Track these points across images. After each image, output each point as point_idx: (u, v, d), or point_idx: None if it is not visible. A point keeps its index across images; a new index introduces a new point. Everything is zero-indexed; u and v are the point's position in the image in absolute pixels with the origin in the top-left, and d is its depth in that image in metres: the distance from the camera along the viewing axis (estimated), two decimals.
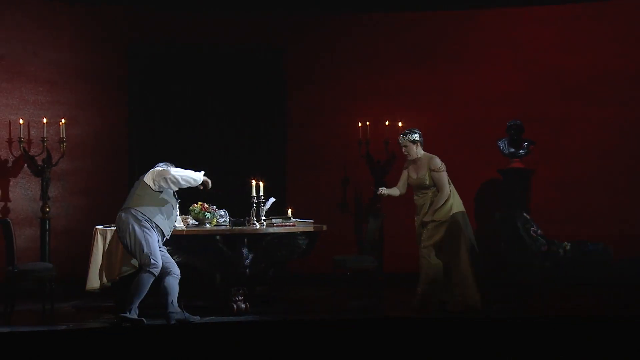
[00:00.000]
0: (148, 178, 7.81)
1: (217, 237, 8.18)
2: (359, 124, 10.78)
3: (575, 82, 10.84)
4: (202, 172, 7.89)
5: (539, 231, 9.07)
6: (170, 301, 7.71)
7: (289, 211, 8.69)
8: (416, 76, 11.06)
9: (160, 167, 7.87)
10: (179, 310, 7.75)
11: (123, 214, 7.76)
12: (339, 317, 8.23)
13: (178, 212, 8.11)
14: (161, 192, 7.78)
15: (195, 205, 8.33)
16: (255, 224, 8.28)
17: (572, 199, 10.72)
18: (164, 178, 7.72)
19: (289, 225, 8.43)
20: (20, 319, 8.10)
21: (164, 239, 7.83)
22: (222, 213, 8.42)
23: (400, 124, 10.75)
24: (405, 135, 8.50)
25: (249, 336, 7.04)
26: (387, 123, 10.78)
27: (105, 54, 10.74)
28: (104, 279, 8.12)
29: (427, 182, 8.38)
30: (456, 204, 8.39)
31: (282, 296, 9.30)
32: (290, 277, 10.34)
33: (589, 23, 10.89)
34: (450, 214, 8.31)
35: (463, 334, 6.90)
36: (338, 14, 11.19)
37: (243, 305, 8.15)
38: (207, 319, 7.89)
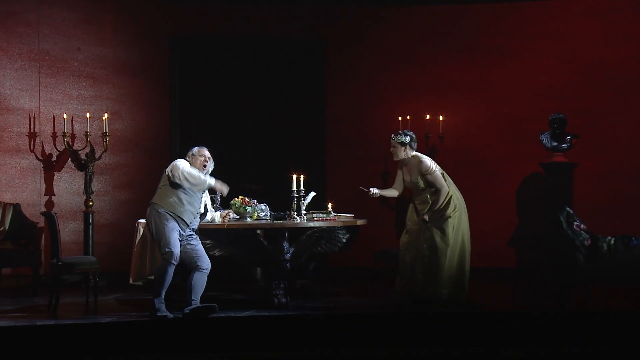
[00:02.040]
0: (168, 170, 7.86)
1: (258, 231, 8.22)
2: (399, 118, 10.74)
3: (618, 74, 10.68)
4: (214, 179, 7.84)
5: (582, 225, 8.94)
6: (191, 298, 7.74)
7: (330, 205, 8.69)
8: (458, 70, 10.98)
9: (176, 162, 7.85)
10: (197, 305, 7.75)
11: (148, 209, 7.85)
12: (379, 312, 8.22)
13: (208, 202, 8.10)
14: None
15: (237, 199, 8.36)
16: (295, 218, 8.29)
17: (616, 193, 10.58)
18: (173, 175, 7.76)
19: (330, 220, 8.44)
20: (65, 312, 8.20)
21: (189, 228, 7.81)
22: (263, 207, 8.44)
23: (441, 118, 10.70)
24: (396, 136, 8.43)
25: (289, 330, 7.06)
26: (427, 117, 10.73)
27: (146, 48, 10.83)
28: (148, 272, 8.17)
29: (422, 185, 8.32)
30: (455, 197, 8.31)
31: (323, 290, 9.31)
32: (330, 271, 10.35)
33: (633, 14, 10.72)
34: (455, 211, 8.25)
35: (500, 328, 6.86)
36: (380, 5, 11.15)
37: (284, 299, 8.17)
38: (247, 313, 7.93)
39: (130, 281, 8.29)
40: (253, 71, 11.09)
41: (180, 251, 7.75)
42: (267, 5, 11.04)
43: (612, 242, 8.89)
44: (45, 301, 8.33)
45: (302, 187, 8.35)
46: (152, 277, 8.15)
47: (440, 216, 8.24)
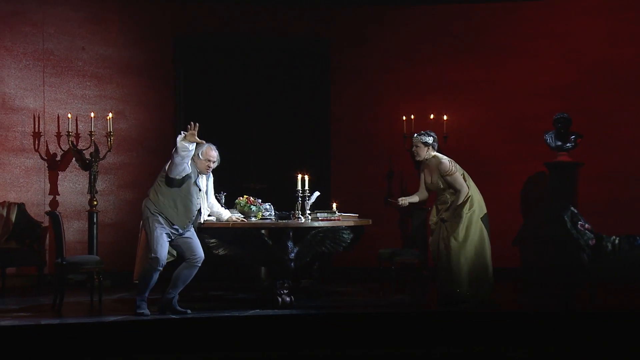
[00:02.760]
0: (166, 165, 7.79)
1: (263, 230, 8.22)
2: (403, 118, 10.73)
3: (623, 73, 10.67)
4: (181, 137, 7.65)
5: (586, 225, 8.92)
6: (169, 290, 7.78)
7: (334, 205, 8.68)
8: (462, 69, 10.98)
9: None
10: (169, 300, 7.78)
11: (144, 201, 7.86)
12: (384, 311, 8.21)
13: (204, 203, 8.02)
14: (178, 179, 7.70)
15: (241, 198, 8.36)
16: (300, 217, 8.28)
17: (620, 192, 10.57)
18: (168, 166, 7.71)
19: (334, 219, 8.44)
20: (69, 311, 8.20)
21: (179, 230, 7.76)
22: (268, 206, 8.44)
23: (445, 117, 10.69)
24: (420, 136, 8.40)
25: (293, 329, 7.06)
26: (431, 117, 10.72)
27: (151, 47, 10.83)
28: None
29: (442, 186, 8.30)
30: (474, 197, 8.28)
31: (327, 290, 9.31)
32: (335, 271, 10.35)
33: (636, 14, 10.70)
34: (474, 212, 8.24)
35: (504, 328, 6.86)
36: (383, 5, 11.14)
37: (288, 299, 8.16)
38: (251, 312, 7.93)
39: (135, 280, 8.28)
40: (257, 71, 11.10)
41: (174, 244, 7.78)
42: (272, 5, 11.04)
43: (617, 241, 8.87)
44: (50, 300, 8.33)
45: (306, 187, 8.34)
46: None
47: (455, 215, 8.24)
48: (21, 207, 9.98)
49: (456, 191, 8.26)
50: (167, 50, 10.88)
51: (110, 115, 10.25)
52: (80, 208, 10.43)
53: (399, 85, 11.07)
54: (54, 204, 10.37)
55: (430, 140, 8.38)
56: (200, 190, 7.91)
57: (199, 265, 7.83)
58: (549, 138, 10.42)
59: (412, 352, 6.35)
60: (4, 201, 9.98)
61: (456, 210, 8.22)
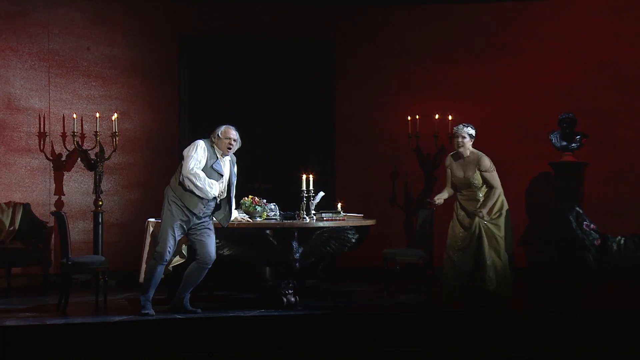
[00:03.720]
0: (184, 153, 7.78)
1: (268, 230, 8.22)
2: (409, 118, 10.73)
3: (628, 73, 10.65)
4: (218, 189, 7.72)
5: (592, 225, 8.91)
6: (180, 291, 7.79)
7: (339, 205, 8.69)
8: (467, 69, 10.97)
9: (189, 156, 7.70)
10: (180, 300, 7.81)
11: (166, 188, 7.83)
12: (389, 311, 8.21)
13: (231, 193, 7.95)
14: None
15: (246, 198, 8.37)
16: (305, 217, 8.29)
17: (626, 192, 10.55)
18: (181, 171, 7.69)
19: (339, 220, 8.44)
20: (74, 311, 8.21)
21: (197, 218, 7.74)
22: (273, 207, 8.45)
23: (450, 117, 10.68)
24: (466, 127, 8.33)
25: (298, 329, 7.06)
26: (436, 117, 10.71)
27: (156, 48, 10.85)
28: None
29: (476, 182, 8.25)
30: (505, 201, 8.32)
31: (332, 290, 9.30)
32: (339, 271, 10.35)
33: None
34: (504, 209, 8.25)
35: (514, 327, 6.85)
36: (389, 5, 11.14)
37: (293, 299, 8.17)
38: (256, 312, 7.93)
39: (140, 279, 8.28)
40: (262, 71, 11.10)
41: (192, 239, 7.77)
42: (277, 5, 11.05)
43: (622, 241, 8.85)
44: (55, 300, 8.34)
45: (311, 187, 8.35)
46: (162, 276, 8.16)
47: (494, 213, 8.22)
48: (26, 207, 10.00)
49: (491, 188, 8.23)
50: (172, 50, 10.89)
51: (116, 115, 10.26)
52: (86, 208, 10.44)
53: (404, 86, 11.06)
54: (59, 204, 10.39)
55: (474, 132, 8.34)
56: (221, 175, 7.81)
57: (209, 266, 7.82)
58: (554, 138, 10.40)
59: (417, 352, 6.35)
60: (10, 201, 10.00)
61: (494, 208, 8.20)
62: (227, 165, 7.91)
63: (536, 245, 10.68)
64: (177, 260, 8.14)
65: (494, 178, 8.25)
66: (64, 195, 10.45)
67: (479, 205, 8.22)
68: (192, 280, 7.83)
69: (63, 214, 8.47)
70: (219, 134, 7.80)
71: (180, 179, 7.70)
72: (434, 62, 11.05)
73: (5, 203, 9.96)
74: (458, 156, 8.37)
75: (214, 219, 7.91)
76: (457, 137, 8.33)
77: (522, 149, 10.80)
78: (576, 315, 7.70)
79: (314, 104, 11.22)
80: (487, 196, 8.23)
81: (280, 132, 11.12)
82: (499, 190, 8.24)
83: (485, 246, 8.12)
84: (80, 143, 10.29)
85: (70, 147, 10.38)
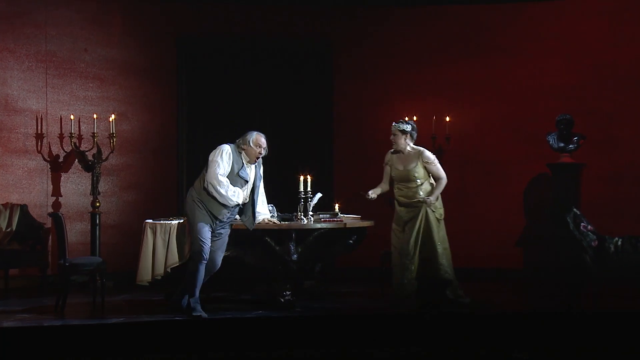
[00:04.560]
0: (209, 158, 7.74)
1: (265, 232, 8.22)
2: (406, 119, 10.71)
3: (626, 75, 10.66)
4: (241, 198, 7.73)
5: (589, 226, 8.92)
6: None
7: (336, 206, 8.69)
8: (465, 70, 10.98)
9: (215, 163, 7.65)
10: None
11: (188, 191, 7.85)
12: (386, 312, 8.21)
13: (259, 197, 7.96)
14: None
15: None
16: (302, 219, 8.30)
17: (624, 194, 10.56)
18: (205, 177, 7.67)
19: (337, 221, 8.44)
20: (72, 312, 8.22)
21: (220, 222, 7.75)
22: (270, 208, 8.44)
23: (447, 119, 10.69)
24: (397, 124, 8.45)
25: (296, 330, 7.06)
26: (434, 118, 10.71)
27: (154, 49, 10.84)
28: (154, 272, 8.18)
29: (416, 174, 8.34)
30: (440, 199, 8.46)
31: (330, 291, 9.30)
32: (337, 272, 10.34)
33: None
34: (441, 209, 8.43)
35: (511, 328, 6.85)
36: (386, 6, 11.15)
37: (291, 300, 8.17)
38: (254, 314, 7.93)
39: (137, 281, 8.28)
40: (260, 71, 11.09)
41: (212, 240, 7.77)
42: (274, 5, 11.05)
43: (620, 243, 8.87)
44: (53, 302, 8.34)
45: (309, 188, 8.35)
46: (159, 278, 8.17)
47: (439, 209, 8.41)
48: (24, 208, 9.99)
49: (437, 179, 8.39)
50: (169, 51, 10.89)
51: (113, 116, 10.26)
52: (83, 209, 10.43)
53: (402, 86, 11.07)
54: (56, 205, 10.38)
55: (408, 128, 8.41)
56: (247, 182, 7.80)
57: (211, 274, 7.88)
58: (552, 139, 10.41)
59: (415, 352, 6.35)
60: (7, 202, 10.00)
61: (438, 205, 8.38)
62: (252, 169, 7.88)
63: (534, 246, 10.68)
64: (176, 262, 8.13)
65: (439, 169, 8.42)
66: (61, 196, 10.44)
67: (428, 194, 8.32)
68: (194, 278, 7.77)
69: (60, 215, 8.46)
70: (250, 142, 7.76)
71: (205, 185, 7.66)
72: (432, 63, 11.05)
73: (2, 204, 9.95)
74: (397, 152, 8.48)
75: (240, 221, 7.92)
76: (391, 134, 8.44)
77: (519, 150, 10.81)
78: (575, 315, 7.71)
79: (312, 104, 11.21)
80: (436, 186, 8.40)
81: (277, 132, 11.09)
82: (445, 180, 8.41)
83: (435, 235, 8.28)
84: (77, 144, 10.28)
85: (68, 148, 10.37)
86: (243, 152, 7.79)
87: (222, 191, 7.60)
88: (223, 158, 7.67)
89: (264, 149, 7.80)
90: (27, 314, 8.13)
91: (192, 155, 10.93)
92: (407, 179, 8.37)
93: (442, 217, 8.45)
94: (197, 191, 7.71)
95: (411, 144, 8.45)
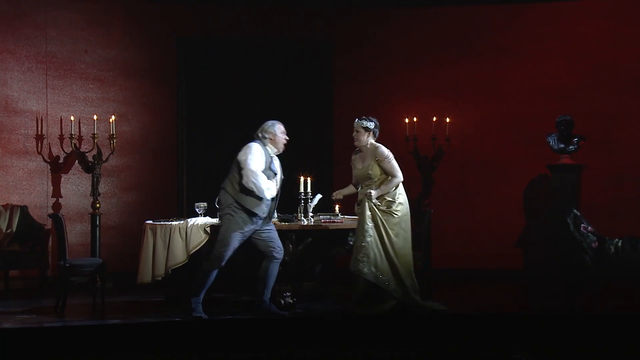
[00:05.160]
0: (239, 156, 7.65)
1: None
2: (406, 120, 10.73)
3: (626, 76, 10.67)
4: (274, 194, 7.70)
5: (589, 227, 8.92)
6: (264, 293, 7.69)
7: (336, 207, 8.68)
8: (464, 71, 10.98)
9: (249, 158, 7.59)
10: (265, 302, 7.72)
11: (220, 193, 7.71)
12: (387, 312, 8.20)
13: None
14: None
15: None
16: (302, 220, 8.29)
17: (624, 195, 10.57)
18: (241, 174, 7.59)
19: (337, 222, 8.43)
20: (72, 313, 8.21)
21: (260, 220, 7.70)
22: None
23: (448, 119, 10.68)
24: (360, 121, 8.21)
25: (295, 331, 7.06)
26: (434, 119, 10.71)
27: (153, 49, 10.84)
28: (155, 273, 8.17)
29: (371, 172, 8.07)
30: (404, 198, 8.15)
31: (329, 292, 9.29)
32: (337, 273, 10.32)
33: None
34: (403, 208, 8.10)
35: (511, 329, 6.85)
36: (387, 7, 11.15)
37: (290, 301, 8.16)
38: (254, 315, 7.91)
39: (138, 281, 8.28)
40: (260, 73, 11.09)
41: (255, 238, 7.70)
42: (274, 6, 11.05)
43: (620, 244, 8.88)
44: (53, 303, 8.34)
45: (309, 189, 8.35)
46: (159, 279, 8.16)
47: (387, 208, 8.05)
48: (24, 209, 9.99)
49: (392, 177, 8.04)
50: (169, 52, 10.89)
51: (113, 117, 10.26)
52: (83, 210, 10.43)
53: (401, 88, 11.07)
54: (56, 206, 10.38)
55: (371, 125, 8.19)
56: (276, 174, 7.79)
57: (280, 258, 7.78)
58: (552, 140, 10.41)
59: (415, 353, 6.35)
60: (7, 204, 10.00)
61: (388, 198, 8.04)
62: (276, 161, 7.87)
63: (534, 247, 10.69)
64: (177, 263, 8.13)
65: (393, 167, 8.05)
66: (61, 197, 10.44)
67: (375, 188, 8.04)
68: (273, 277, 7.75)
69: (60, 216, 8.46)
70: (275, 131, 7.74)
71: (241, 182, 7.56)
72: (431, 64, 11.05)
73: (2, 205, 9.95)
74: (359, 150, 8.27)
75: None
76: (354, 130, 8.24)
77: (519, 151, 10.81)
78: (575, 316, 7.71)
79: (312, 105, 11.21)
80: (386, 182, 8.04)
81: None
82: (398, 179, 8.03)
83: (384, 237, 8.00)
84: (77, 145, 10.27)
85: (68, 149, 10.37)
86: (269, 145, 7.73)
87: (260, 185, 7.51)
88: (255, 154, 7.60)
89: (286, 135, 7.78)
90: (27, 315, 8.12)
91: (192, 156, 10.94)
92: (366, 177, 8.13)
93: (398, 218, 8.04)
94: (231, 195, 7.61)
95: (372, 141, 8.21)
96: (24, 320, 7.80)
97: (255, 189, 7.54)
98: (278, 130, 7.75)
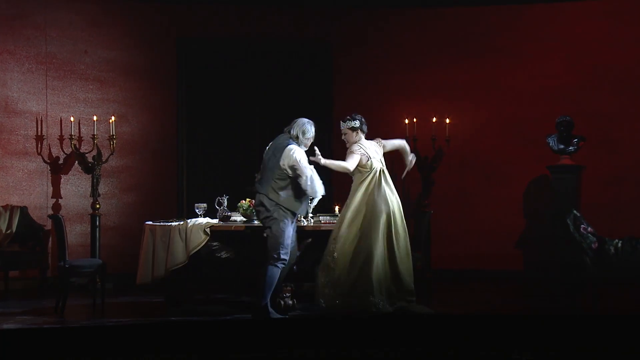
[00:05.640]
0: (284, 162, 7.64)
1: (265, 233, 8.21)
2: (406, 121, 10.73)
3: (626, 76, 10.67)
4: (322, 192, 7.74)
5: (589, 228, 8.93)
6: (264, 291, 7.66)
7: (336, 208, 8.68)
8: (465, 72, 10.98)
9: (300, 160, 7.62)
10: (264, 304, 7.70)
11: (258, 199, 7.70)
12: (387, 313, 8.20)
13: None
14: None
15: (244, 201, 8.36)
16: (302, 220, 8.29)
17: (624, 196, 10.57)
18: (297, 174, 7.61)
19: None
20: (72, 314, 8.21)
21: (295, 217, 7.79)
22: None
23: (447, 120, 10.69)
24: (345, 122, 8.21)
25: (295, 332, 7.06)
26: (434, 120, 10.72)
27: (153, 50, 10.84)
28: (155, 274, 8.16)
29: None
30: (371, 199, 8.04)
31: None
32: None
33: None
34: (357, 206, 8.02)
35: (511, 330, 6.85)
36: (386, 8, 11.16)
37: (290, 302, 8.16)
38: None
39: (137, 282, 8.27)
40: (260, 73, 11.10)
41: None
42: (274, 7, 11.05)
43: (619, 244, 8.88)
44: (52, 303, 8.34)
45: None
46: (159, 280, 8.16)
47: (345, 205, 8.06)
48: (24, 210, 9.99)
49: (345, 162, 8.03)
50: (169, 53, 10.89)
51: (113, 118, 10.26)
52: (83, 211, 10.43)
53: (401, 88, 11.07)
54: (56, 207, 10.38)
55: (357, 124, 8.18)
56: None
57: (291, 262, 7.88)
58: (552, 141, 10.42)
59: (415, 353, 6.34)
60: (7, 204, 10.00)
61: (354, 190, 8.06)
62: None
63: (534, 247, 10.69)
64: (176, 264, 8.12)
65: (347, 158, 8.03)
66: (61, 198, 10.44)
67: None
68: (279, 279, 7.76)
69: (60, 217, 8.47)
70: (309, 129, 7.80)
71: (283, 186, 7.61)
72: (431, 64, 11.06)
73: (2, 206, 9.96)
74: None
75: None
76: (342, 134, 8.27)
77: (519, 152, 10.82)
78: (575, 317, 7.71)
79: (311, 106, 11.18)
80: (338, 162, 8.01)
81: (277, 134, 11.08)
82: (347, 167, 7.99)
83: (335, 228, 8.05)
84: (77, 146, 10.28)
85: (68, 150, 10.37)
86: (302, 146, 7.79)
87: (316, 185, 7.62)
88: (303, 158, 7.69)
89: None
90: (27, 316, 8.12)
91: (192, 156, 10.94)
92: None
93: (348, 210, 8.00)
94: (274, 195, 7.62)
95: (362, 136, 8.23)
96: (24, 321, 7.80)
97: (314, 193, 7.67)
98: (312, 128, 7.84)
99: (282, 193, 7.64)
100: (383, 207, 7.96)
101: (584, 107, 10.63)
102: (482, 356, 6.25)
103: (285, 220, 7.64)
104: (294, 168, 7.63)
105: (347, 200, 8.09)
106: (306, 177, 7.61)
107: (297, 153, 7.65)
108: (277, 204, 7.62)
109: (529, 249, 10.75)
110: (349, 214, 7.97)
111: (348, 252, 7.93)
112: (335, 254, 7.93)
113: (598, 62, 10.73)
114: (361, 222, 7.95)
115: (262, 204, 7.68)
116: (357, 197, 8.01)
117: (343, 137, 8.28)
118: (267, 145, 7.96)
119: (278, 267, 7.65)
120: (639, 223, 10.19)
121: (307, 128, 7.80)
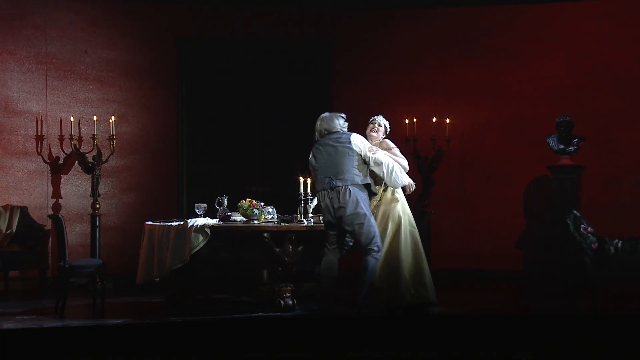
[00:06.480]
0: (359, 147, 7.66)
1: (265, 233, 8.22)
2: (406, 121, 10.73)
3: (626, 76, 10.67)
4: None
5: (589, 228, 8.92)
6: (365, 286, 7.64)
7: None
8: (465, 72, 10.98)
9: (362, 138, 7.71)
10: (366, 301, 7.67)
11: (343, 187, 7.58)
12: (387, 313, 8.20)
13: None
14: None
15: (244, 201, 8.36)
16: (302, 220, 8.29)
17: (624, 196, 10.57)
18: (376, 163, 7.67)
19: None
20: (72, 314, 8.21)
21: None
22: (270, 210, 8.45)
23: (447, 120, 10.69)
24: (381, 117, 8.36)
25: (295, 332, 7.06)
26: (434, 120, 10.72)
27: (153, 50, 10.85)
28: (155, 274, 8.17)
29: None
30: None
31: None
32: (337, 274, 10.32)
33: None
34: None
35: (511, 330, 6.86)
36: (386, 8, 11.16)
37: (290, 302, 8.17)
38: (254, 315, 7.92)
39: (137, 282, 8.28)
40: (260, 74, 11.11)
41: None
42: (274, 8, 11.06)
43: (620, 244, 8.88)
44: (52, 303, 8.33)
45: (309, 190, 8.35)
46: (159, 280, 8.15)
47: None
48: (24, 210, 9.99)
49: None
50: (169, 53, 10.89)
51: (113, 118, 10.26)
52: (83, 211, 10.43)
53: (401, 88, 11.08)
54: (56, 207, 10.38)
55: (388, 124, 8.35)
56: None
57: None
58: (552, 141, 10.41)
59: (415, 354, 6.35)
60: (7, 204, 10.00)
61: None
62: None
63: (534, 248, 10.69)
64: (177, 264, 8.12)
65: (397, 154, 8.20)
66: (61, 198, 10.44)
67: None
68: (371, 273, 7.75)
69: (60, 217, 8.46)
70: (338, 116, 7.96)
71: (365, 177, 7.63)
72: (431, 65, 11.06)
73: (2, 206, 9.96)
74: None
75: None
76: (376, 126, 8.38)
77: (519, 152, 10.82)
78: (575, 317, 7.71)
79: (312, 106, 11.18)
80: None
81: (277, 134, 11.13)
82: (405, 164, 8.16)
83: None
84: (77, 146, 10.28)
85: (68, 150, 10.37)
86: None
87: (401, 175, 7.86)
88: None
89: None
90: (27, 316, 8.12)
91: (192, 156, 10.95)
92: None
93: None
94: (359, 185, 7.60)
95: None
96: (23, 321, 7.80)
97: (403, 180, 7.87)
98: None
99: (367, 178, 7.68)
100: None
101: (584, 107, 10.63)
102: (482, 356, 6.25)
103: (368, 211, 7.61)
104: (371, 150, 7.72)
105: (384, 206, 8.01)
106: (387, 165, 7.71)
107: (364, 139, 7.78)
108: (362, 190, 7.57)
109: (529, 249, 10.76)
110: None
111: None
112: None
113: (598, 62, 10.73)
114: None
115: (345, 197, 7.53)
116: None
117: (374, 128, 8.28)
118: (311, 155, 7.79)
119: (377, 258, 7.65)
120: (639, 223, 10.19)
121: (336, 116, 7.94)
